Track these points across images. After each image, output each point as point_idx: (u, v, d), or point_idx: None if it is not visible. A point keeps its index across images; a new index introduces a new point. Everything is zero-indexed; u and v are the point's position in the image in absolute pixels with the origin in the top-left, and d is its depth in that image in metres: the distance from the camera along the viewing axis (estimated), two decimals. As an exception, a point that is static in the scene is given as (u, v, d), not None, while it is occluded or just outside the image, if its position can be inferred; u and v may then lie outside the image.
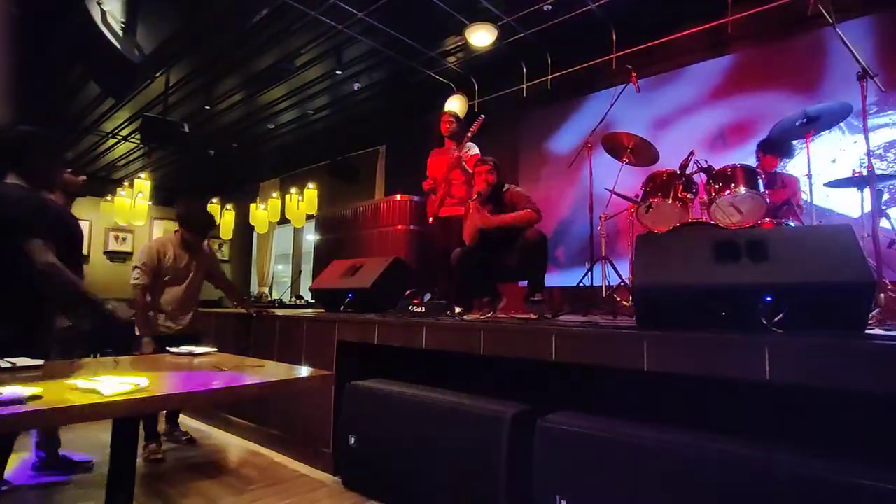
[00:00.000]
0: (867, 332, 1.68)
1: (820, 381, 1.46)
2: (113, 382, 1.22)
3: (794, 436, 1.63)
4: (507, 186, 3.16)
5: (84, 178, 2.72)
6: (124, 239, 9.66)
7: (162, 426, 3.48)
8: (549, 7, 4.39)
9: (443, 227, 3.93)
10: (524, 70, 5.38)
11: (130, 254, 9.65)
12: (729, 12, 4.12)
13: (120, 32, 4.09)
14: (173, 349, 2.19)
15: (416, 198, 5.18)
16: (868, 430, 1.65)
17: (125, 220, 7.96)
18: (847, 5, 3.55)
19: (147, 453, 3.10)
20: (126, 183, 8.28)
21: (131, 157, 8.41)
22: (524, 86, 5.39)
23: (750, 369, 1.55)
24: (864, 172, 2.59)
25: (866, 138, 2.42)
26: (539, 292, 2.95)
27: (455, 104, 5.46)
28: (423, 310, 2.97)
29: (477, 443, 2.12)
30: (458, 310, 3.01)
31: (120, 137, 7.45)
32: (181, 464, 3.11)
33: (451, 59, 5.45)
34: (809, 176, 2.94)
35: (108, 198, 8.12)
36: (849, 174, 2.86)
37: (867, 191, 2.66)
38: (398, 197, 5.33)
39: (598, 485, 1.77)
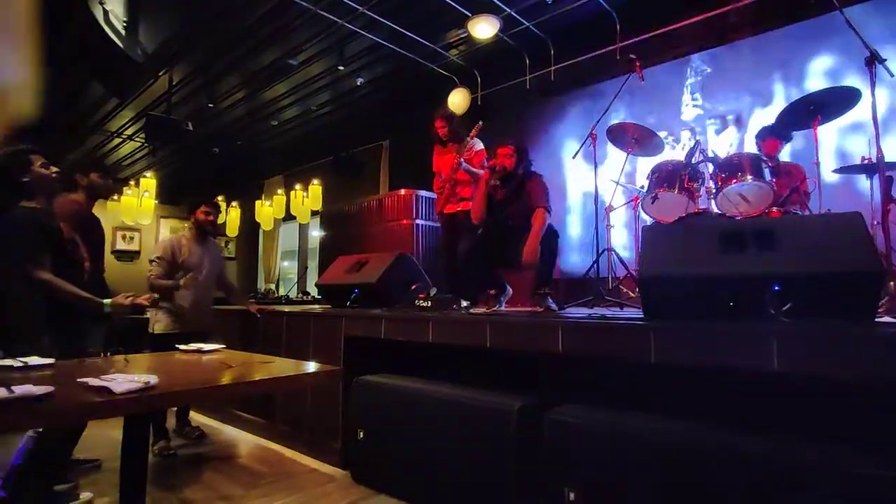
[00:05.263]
0: (876, 320, 1.67)
1: (829, 370, 1.45)
2: (123, 380, 1.24)
3: (803, 426, 1.62)
4: (531, 175, 3.02)
5: (109, 181, 2.81)
6: (132, 238, 9.73)
7: (172, 423, 3.53)
8: (551, -2, 4.36)
9: (449, 222, 3.93)
10: (527, 61, 5.34)
11: (138, 253, 9.73)
12: (733, -1, 4.08)
13: (122, 31, 4.10)
14: (182, 346, 2.20)
15: (420, 192, 5.17)
16: (878, 418, 1.64)
17: (132, 220, 8.01)
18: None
19: (157, 450, 3.13)
20: (132, 182, 8.32)
21: (136, 157, 8.46)
22: (527, 77, 5.36)
23: (758, 359, 1.54)
24: (874, 159, 2.56)
25: (875, 124, 2.39)
26: (546, 285, 2.94)
27: (458, 98, 5.43)
28: (430, 304, 2.97)
29: (485, 436, 2.13)
30: (464, 304, 3.01)
31: (125, 137, 7.49)
32: (191, 459, 3.15)
33: (454, 51, 5.43)
34: (817, 163, 2.91)
35: (115, 197, 8.16)
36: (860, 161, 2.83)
37: (876, 178, 2.63)
38: (403, 192, 5.33)
39: (606, 478, 1.77)
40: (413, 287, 3.32)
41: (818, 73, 3.84)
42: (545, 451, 1.94)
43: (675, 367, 1.74)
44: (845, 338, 1.44)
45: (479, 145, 3.86)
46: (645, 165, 3.55)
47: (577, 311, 2.77)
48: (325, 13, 4.54)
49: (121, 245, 9.55)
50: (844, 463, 1.35)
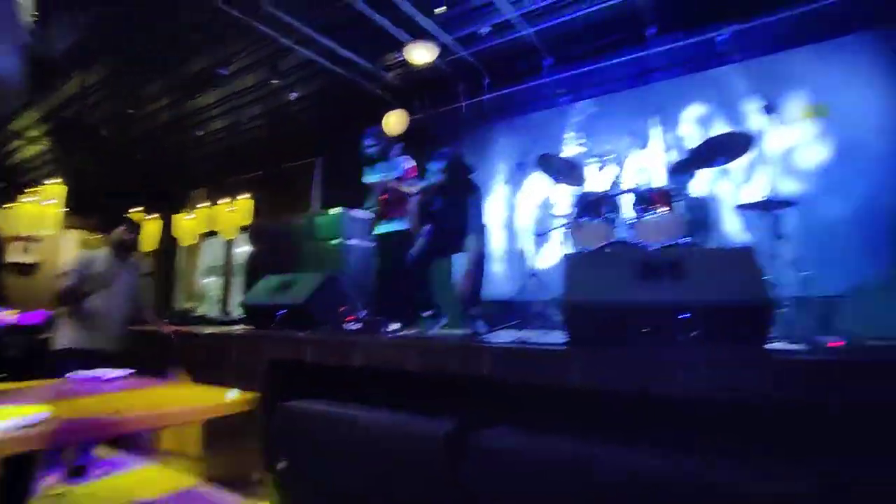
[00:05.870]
0: (767, 346, 1.83)
1: (727, 392, 1.57)
2: (6, 416, 1.11)
3: (717, 447, 1.72)
4: (470, 187, 3.04)
5: None
6: (27, 249, 8.80)
7: (70, 455, 3.20)
8: (487, 30, 4.52)
9: (382, 243, 3.90)
10: (462, 88, 5.48)
11: (36, 265, 8.83)
12: (649, 46, 4.44)
13: (31, 25, 3.78)
14: (82, 372, 2.02)
15: (352, 212, 5.11)
16: (772, 436, 1.79)
17: (31, 229, 7.29)
18: (756, 41, 3.94)
19: (47, 488, 2.82)
20: (33, 188, 7.59)
21: (41, 161, 7.75)
22: (462, 104, 5.50)
23: (667, 383, 1.65)
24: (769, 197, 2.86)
25: (768, 165, 2.67)
26: (475, 306, 2.98)
27: (393, 119, 5.45)
28: (358, 326, 2.92)
29: (412, 463, 2.10)
30: (393, 326, 2.98)
31: (29, 139, 6.85)
32: (89, 500, 2.85)
33: (391, 73, 5.47)
34: (715, 199, 3.19)
35: (8, 205, 7.40)
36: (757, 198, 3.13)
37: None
38: (334, 210, 5.23)
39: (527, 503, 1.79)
40: (341, 309, 3.25)
41: (690, 120, 4.39)
42: (468, 477, 1.94)
43: (601, 391, 1.81)
44: (740, 363, 1.58)
45: (410, 162, 3.90)
46: (571, 195, 3.71)
47: (503, 336, 2.82)
48: (258, 24, 4.44)
49: (15, 257, 8.60)
50: (755, 481, 1.45)
